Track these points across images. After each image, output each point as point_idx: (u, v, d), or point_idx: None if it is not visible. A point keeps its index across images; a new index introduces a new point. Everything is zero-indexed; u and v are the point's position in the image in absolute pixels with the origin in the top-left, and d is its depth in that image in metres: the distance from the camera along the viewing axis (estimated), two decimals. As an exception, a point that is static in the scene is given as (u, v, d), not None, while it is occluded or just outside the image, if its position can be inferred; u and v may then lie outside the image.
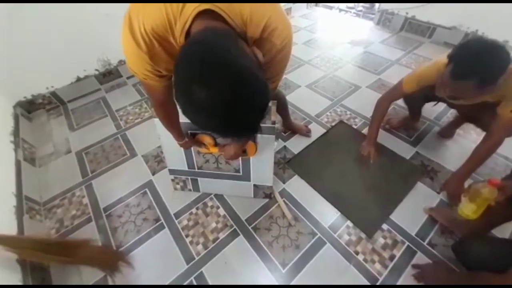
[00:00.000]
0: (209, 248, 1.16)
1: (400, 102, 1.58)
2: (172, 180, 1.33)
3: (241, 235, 1.19)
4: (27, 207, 1.25)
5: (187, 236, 1.20)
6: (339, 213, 1.25)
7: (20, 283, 0.95)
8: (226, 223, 1.24)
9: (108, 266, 1.05)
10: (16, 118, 1.68)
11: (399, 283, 1.03)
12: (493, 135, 1.09)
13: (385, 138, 1.58)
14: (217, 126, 0.48)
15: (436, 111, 1.72)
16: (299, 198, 1.32)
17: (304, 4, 3.39)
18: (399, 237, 1.15)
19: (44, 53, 1.75)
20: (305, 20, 3.10)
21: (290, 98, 1.89)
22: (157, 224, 1.25)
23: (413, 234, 1.16)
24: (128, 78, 2.23)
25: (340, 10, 3.30)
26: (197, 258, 1.13)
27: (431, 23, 2.48)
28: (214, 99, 0.43)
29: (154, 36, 0.57)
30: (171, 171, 1.29)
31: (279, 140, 1.61)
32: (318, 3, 3.46)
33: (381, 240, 1.15)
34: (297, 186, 1.37)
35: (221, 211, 1.28)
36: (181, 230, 1.22)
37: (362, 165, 1.45)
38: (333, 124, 1.71)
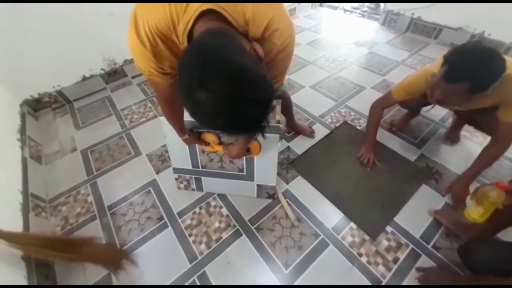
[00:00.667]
0: (212, 248, 1.16)
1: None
2: (176, 179, 1.34)
3: (244, 235, 1.19)
4: (33, 205, 1.26)
5: (190, 235, 1.20)
6: (343, 214, 1.24)
7: (24, 280, 0.96)
8: (229, 223, 1.24)
9: (112, 264, 1.06)
10: (22, 116, 1.71)
11: (402, 286, 1.02)
12: (499, 141, 1.09)
13: (389, 140, 1.57)
14: (223, 125, 0.49)
15: (441, 113, 1.71)
16: (302, 199, 1.31)
17: (309, 5, 3.38)
18: (403, 240, 1.14)
19: (51, 52, 1.77)
20: (309, 21, 3.09)
21: (294, 98, 1.89)
22: (161, 223, 1.26)
23: (417, 236, 1.15)
24: (133, 77, 2.25)
25: (345, 10, 3.28)
26: (200, 258, 1.13)
27: (437, 24, 2.46)
28: (216, 100, 0.44)
29: (158, 35, 0.59)
30: (175, 170, 1.30)
31: (282, 140, 1.61)
32: (322, 4, 3.45)
33: (385, 243, 1.14)
34: (301, 187, 1.37)
35: (224, 211, 1.29)
36: (184, 229, 1.23)
37: (364, 165, 1.44)
38: (337, 125, 1.70)
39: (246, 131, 0.53)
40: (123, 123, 1.83)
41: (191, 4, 0.54)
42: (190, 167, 1.26)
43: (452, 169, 1.40)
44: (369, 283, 1.03)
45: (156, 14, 0.56)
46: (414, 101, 1.26)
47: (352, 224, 1.21)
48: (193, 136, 1.07)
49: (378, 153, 1.45)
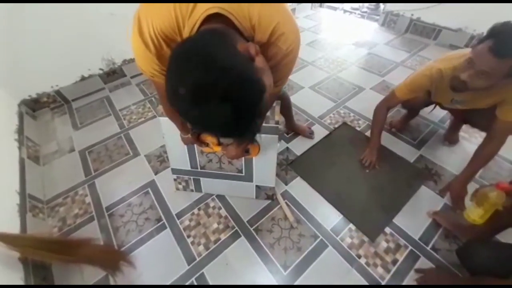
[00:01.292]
0: (211, 249, 1.15)
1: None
2: (175, 180, 1.33)
3: (243, 237, 1.19)
4: (30, 205, 1.25)
5: (188, 236, 1.20)
6: (342, 216, 1.24)
7: (22, 282, 0.95)
8: (228, 224, 1.24)
9: (109, 265, 1.05)
10: (20, 116, 1.70)
11: (401, 287, 1.02)
12: (494, 138, 1.09)
13: (389, 141, 1.57)
14: (195, 119, 0.47)
15: (440, 114, 1.71)
16: (301, 200, 1.31)
17: (308, 5, 3.38)
18: (402, 241, 1.14)
19: (49, 52, 1.76)
20: (309, 21, 3.09)
21: (294, 99, 1.88)
22: (159, 224, 1.25)
23: (416, 238, 1.15)
24: (132, 77, 2.24)
25: (345, 11, 3.29)
26: (198, 259, 1.13)
27: (437, 25, 2.46)
28: (189, 91, 0.43)
29: (162, 38, 0.58)
30: (174, 171, 1.29)
31: (281, 141, 1.60)
32: (322, 4, 3.45)
33: (384, 244, 1.14)
34: (300, 188, 1.36)
35: (223, 212, 1.28)
36: (182, 231, 1.22)
37: (365, 168, 1.44)
38: (336, 126, 1.70)
39: (218, 129, 0.49)
40: (121, 123, 1.83)
41: (199, 6, 0.53)
42: (189, 168, 1.25)
43: (451, 170, 1.40)
44: (368, 285, 1.03)
45: (161, 16, 0.55)
46: (418, 100, 1.25)
47: (351, 225, 1.20)
48: (193, 135, 1.07)
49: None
